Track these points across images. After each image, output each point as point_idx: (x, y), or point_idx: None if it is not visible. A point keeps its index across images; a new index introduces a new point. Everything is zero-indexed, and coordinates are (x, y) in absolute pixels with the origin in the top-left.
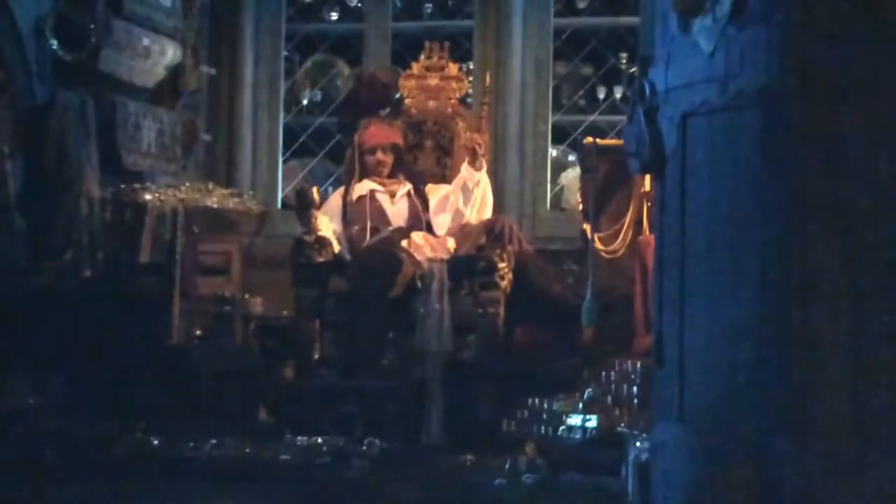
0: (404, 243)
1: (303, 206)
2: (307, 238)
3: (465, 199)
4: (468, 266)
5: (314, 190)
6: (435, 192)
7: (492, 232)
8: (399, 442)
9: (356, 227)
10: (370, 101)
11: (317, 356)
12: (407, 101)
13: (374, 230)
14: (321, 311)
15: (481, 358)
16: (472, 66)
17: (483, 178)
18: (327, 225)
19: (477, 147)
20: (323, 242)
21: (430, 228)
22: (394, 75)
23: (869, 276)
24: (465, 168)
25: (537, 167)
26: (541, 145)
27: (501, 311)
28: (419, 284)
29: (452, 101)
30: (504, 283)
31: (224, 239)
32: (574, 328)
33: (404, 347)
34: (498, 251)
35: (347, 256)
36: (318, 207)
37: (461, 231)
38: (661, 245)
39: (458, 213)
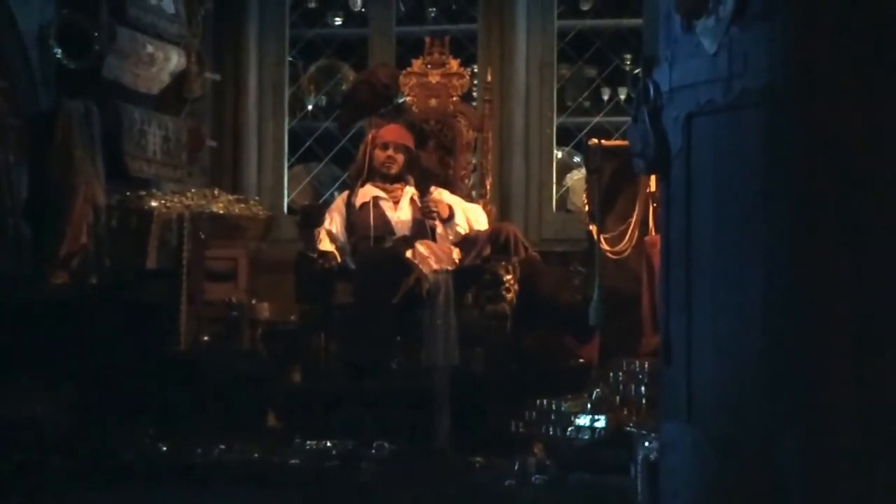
0: (409, 254)
1: (307, 225)
2: (310, 254)
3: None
4: (473, 277)
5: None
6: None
7: (497, 241)
8: (408, 445)
9: (359, 237)
10: (370, 100)
11: (324, 356)
12: (408, 99)
13: (377, 240)
14: (327, 323)
15: (489, 371)
16: (475, 70)
17: (459, 216)
18: (332, 237)
19: (434, 210)
20: (326, 257)
21: (434, 234)
22: (394, 73)
23: (875, 273)
24: (440, 227)
25: (543, 169)
26: (546, 147)
27: (508, 323)
28: (425, 297)
29: (454, 98)
30: (510, 296)
31: (230, 244)
32: (583, 334)
33: (411, 358)
34: (503, 263)
35: (352, 266)
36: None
37: (465, 240)
38: (668, 245)
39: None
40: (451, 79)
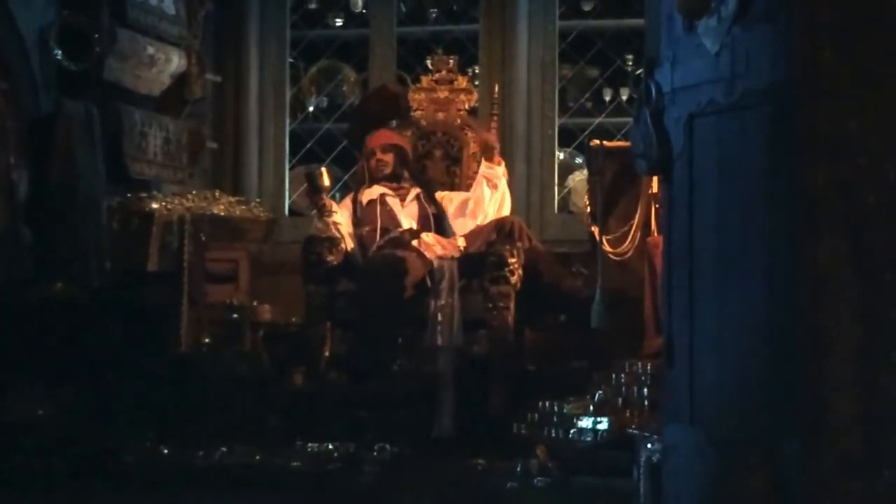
0: (415, 242)
1: (312, 189)
2: (323, 223)
3: (489, 195)
4: (478, 263)
5: (323, 172)
6: (450, 199)
7: (502, 230)
8: (410, 446)
9: (367, 229)
10: (379, 113)
11: (327, 354)
12: (416, 112)
13: (385, 232)
14: (332, 310)
15: (492, 353)
16: (477, 71)
17: (503, 172)
18: (339, 216)
19: (493, 143)
20: (333, 241)
21: (439, 231)
22: (403, 87)
23: (878, 275)
24: (483, 167)
25: (544, 170)
26: (548, 148)
27: (512, 306)
28: (429, 283)
29: (461, 112)
30: (514, 279)
31: (231, 246)
32: (586, 322)
33: (415, 346)
34: (508, 247)
35: (359, 259)
36: (328, 192)
37: (471, 231)
38: (670, 246)
39: (480, 211)
40: (459, 94)
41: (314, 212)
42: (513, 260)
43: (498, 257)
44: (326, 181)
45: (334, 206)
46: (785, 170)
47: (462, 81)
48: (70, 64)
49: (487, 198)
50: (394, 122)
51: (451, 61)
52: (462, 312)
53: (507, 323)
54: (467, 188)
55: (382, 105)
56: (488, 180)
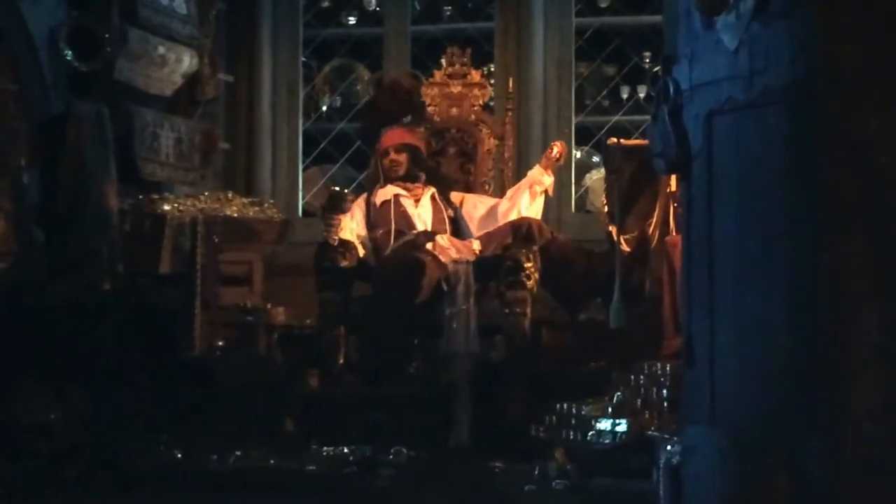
0: (429, 246)
1: (333, 209)
2: (331, 242)
3: (528, 203)
4: (494, 267)
5: (349, 198)
6: (474, 203)
7: (518, 232)
8: (426, 449)
9: (380, 232)
10: (392, 108)
11: (342, 361)
12: (430, 108)
13: (399, 234)
14: (346, 316)
15: (509, 359)
16: (493, 69)
17: (552, 184)
18: (352, 230)
19: (558, 153)
20: (347, 246)
21: (455, 232)
22: (416, 82)
23: None
24: (538, 171)
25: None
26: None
27: (528, 311)
28: (445, 287)
29: (475, 107)
30: (531, 283)
31: (245, 248)
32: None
33: (431, 352)
34: (524, 250)
35: (372, 262)
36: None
37: (486, 233)
38: (689, 245)
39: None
40: (473, 89)
41: (322, 228)
42: (529, 264)
43: (514, 261)
44: (350, 206)
45: (344, 225)
46: (804, 167)
47: (476, 76)
48: (80, 64)
49: (525, 206)
50: (407, 118)
51: (464, 55)
52: (478, 318)
53: (524, 329)
54: (481, 186)
55: (394, 100)
56: (531, 186)
